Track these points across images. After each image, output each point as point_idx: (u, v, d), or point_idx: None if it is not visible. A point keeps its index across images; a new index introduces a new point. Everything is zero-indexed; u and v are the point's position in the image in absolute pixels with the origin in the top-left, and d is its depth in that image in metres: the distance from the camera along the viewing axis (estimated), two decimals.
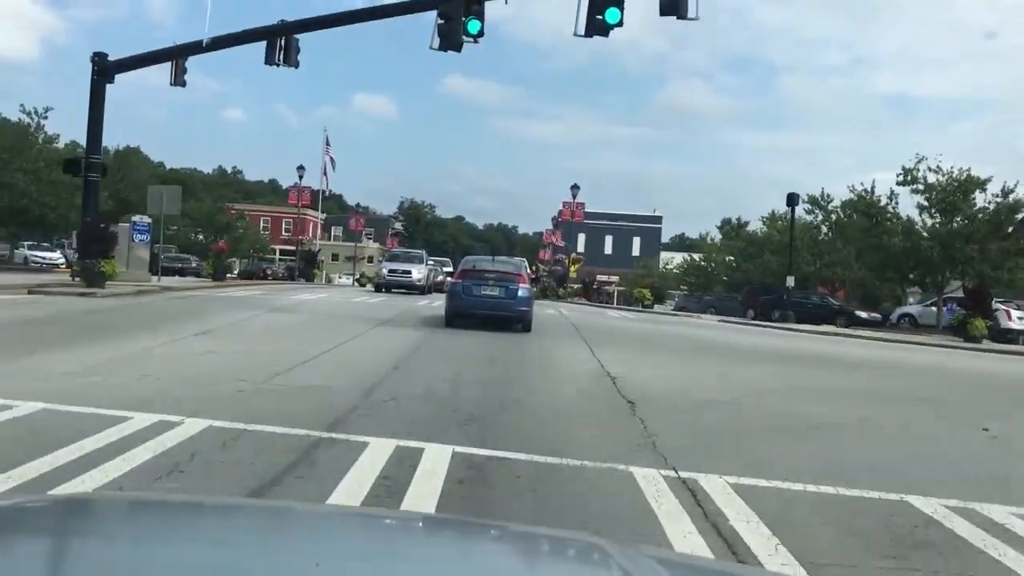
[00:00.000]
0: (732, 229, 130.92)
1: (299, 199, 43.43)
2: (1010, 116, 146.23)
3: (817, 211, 44.36)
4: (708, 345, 17.40)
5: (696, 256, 70.47)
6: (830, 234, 44.20)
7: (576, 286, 49.40)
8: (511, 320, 16.62)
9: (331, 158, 49.81)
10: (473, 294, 16.46)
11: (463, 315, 16.57)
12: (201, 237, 65.11)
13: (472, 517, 3.69)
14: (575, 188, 42.59)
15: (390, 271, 31.28)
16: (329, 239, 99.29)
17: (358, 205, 62.87)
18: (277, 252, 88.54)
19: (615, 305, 42.95)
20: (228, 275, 31.18)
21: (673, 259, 79.96)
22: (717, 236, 71.85)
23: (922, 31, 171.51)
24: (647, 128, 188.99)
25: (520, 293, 16.65)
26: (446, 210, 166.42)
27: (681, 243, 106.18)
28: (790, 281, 27.03)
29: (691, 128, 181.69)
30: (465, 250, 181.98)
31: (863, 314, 35.51)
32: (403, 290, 29.99)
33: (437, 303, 24.47)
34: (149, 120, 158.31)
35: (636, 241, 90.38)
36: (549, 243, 67.04)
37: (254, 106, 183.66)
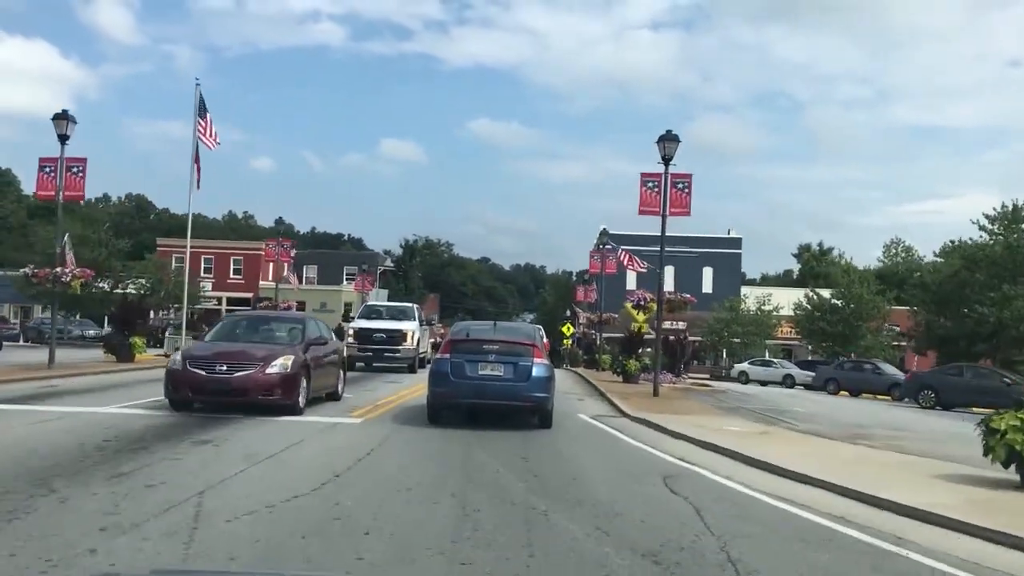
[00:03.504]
0: (812, 256, 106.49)
1: (60, 185, 19.54)
2: None
3: None
4: None
5: (825, 293, 46.06)
6: None
7: (645, 335, 25.78)
8: (523, 411, 11.93)
9: (206, 134, 27.18)
10: (467, 375, 11.58)
11: (454, 406, 11.87)
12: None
13: None
14: (668, 142, 18.83)
15: None
16: (300, 282, 76.19)
17: (279, 221, 39.37)
18: (223, 300, 65.92)
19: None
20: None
21: (769, 296, 55.71)
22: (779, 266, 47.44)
23: (943, 61, 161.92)
24: (675, 166, 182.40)
25: (535, 372, 11.63)
26: (472, 252, 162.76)
27: None
28: None
29: (718, 163, 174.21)
30: (487, 292, 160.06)
31: None
32: None
33: None
34: (171, 171, 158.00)
35: (707, 273, 66.07)
36: (594, 276, 43.41)
37: (280, 155, 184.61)
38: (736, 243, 68.71)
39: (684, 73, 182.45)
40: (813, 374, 44.61)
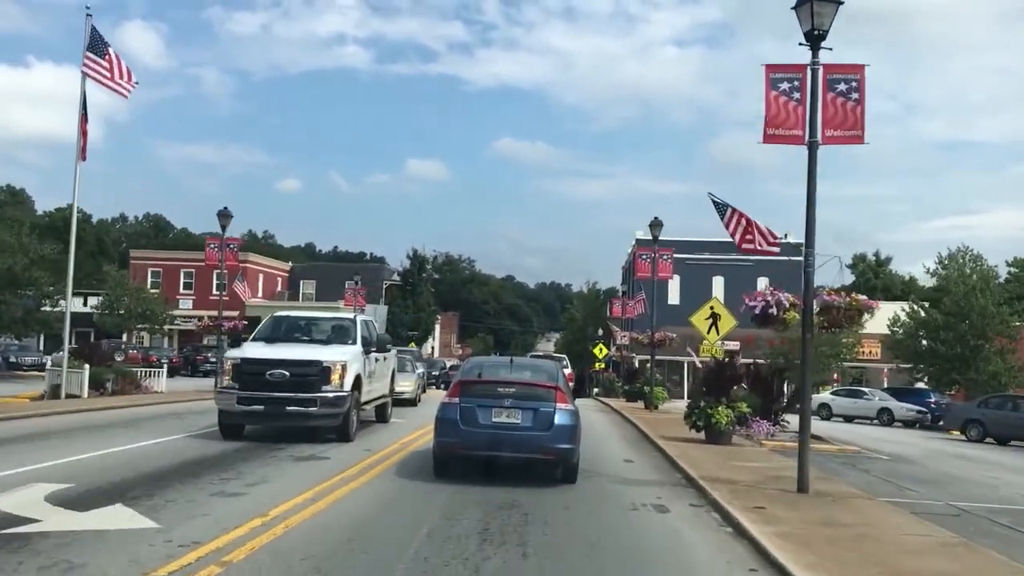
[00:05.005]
0: (869, 267, 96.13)
1: None
2: None
3: None
4: None
5: (922, 306, 36.33)
6: None
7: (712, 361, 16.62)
8: (544, 464, 10.36)
9: (113, 76, 19.05)
10: (479, 423, 10.08)
11: (463, 457, 10.35)
12: None
13: None
14: (819, 3, 9.84)
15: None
16: (297, 298, 67.65)
17: (225, 209, 30.54)
18: (204, 319, 57.48)
19: None
20: None
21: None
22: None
23: (971, 75, 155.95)
24: (699, 183, 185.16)
25: (558, 419, 10.10)
26: (498, 270, 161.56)
27: None
28: None
29: (743, 181, 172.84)
30: (509, 310, 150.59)
31: None
32: None
33: None
34: (195, 192, 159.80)
35: (762, 284, 56.37)
36: (644, 280, 34.54)
37: (306, 176, 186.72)
38: (795, 250, 59.04)
39: (709, 89, 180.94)
40: (917, 408, 35.17)
